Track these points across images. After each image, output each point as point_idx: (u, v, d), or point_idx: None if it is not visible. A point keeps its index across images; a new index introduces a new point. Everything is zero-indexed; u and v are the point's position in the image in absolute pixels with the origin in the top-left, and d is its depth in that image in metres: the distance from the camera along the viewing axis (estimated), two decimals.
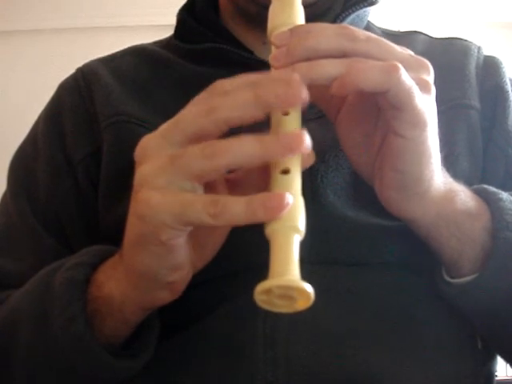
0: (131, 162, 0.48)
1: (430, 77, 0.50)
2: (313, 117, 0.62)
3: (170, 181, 0.44)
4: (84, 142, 0.68)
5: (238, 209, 0.42)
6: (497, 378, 0.68)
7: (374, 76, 0.46)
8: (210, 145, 0.44)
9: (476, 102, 0.67)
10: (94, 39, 2.46)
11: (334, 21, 0.69)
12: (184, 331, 0.59)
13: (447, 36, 0.76)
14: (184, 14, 0.74)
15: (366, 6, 0.71)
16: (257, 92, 0.44)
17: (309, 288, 0.41)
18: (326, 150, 0.62)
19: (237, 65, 0.65)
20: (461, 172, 0.63)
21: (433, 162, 0.51)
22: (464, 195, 0.55)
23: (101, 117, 0.67)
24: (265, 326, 0.57)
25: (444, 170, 0.55)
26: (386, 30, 0.77)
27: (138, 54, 0.75)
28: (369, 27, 0.75)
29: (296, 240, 0.43)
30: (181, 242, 0.47)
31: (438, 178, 0.53)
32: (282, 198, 0.42)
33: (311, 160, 0.48)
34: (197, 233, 0.49)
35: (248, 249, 0.57)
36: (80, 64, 0.75)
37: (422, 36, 0.75)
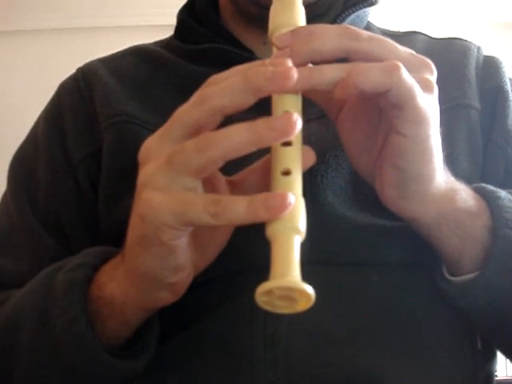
0: (131, 162, 0.48)
1: (432, 76, 0.50)
2: (313, 117, 0.62)
3: (170, 180, 0.45)
4: (84, 142, 0.68)
5: (239, 208, 0.42)
6: (497, 378, 0.68)
7: (374, 76, 0.46)
8: (203, 138, 0.44)
9: (476, 102, 0.67)
10: (94, 39, 2.46)
11: (333, 21, 0.69)
12: (184, 331, 0.59)
13: (447, 36, 0.76)
14: (184, 14, 0.74)
15: (366, 7, 0.71)
16: (246, 76, 0.44)
17: (309, 289, 0.41)
18: (326, 150, 0.62)
19: (237, 65, 0.65)
20: (461, 172, 0.62)
21: (434, 160, 0.51)
22: (465, 194, 0.55)
23: (101, 117, 0.68)
24: (265, 326, 0.57)
25: (445, 168, 0.55)
26: (386, 30, 0.77)
27: (138, 54, 0.75)
28: (369, 27, 0.75)
29: (297, 241, 0.43)
30: (182, 242, 0.47)
31: (440, 176, 0.53)
32: (283, 197, 0.42)
33: (312, 160, 0.48)
34: (198, 234, 0.49)
35: (248, 250, 0.57)
36: (80, 64, 0.75)
37: (422, 36, 0.75)
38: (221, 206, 0.43)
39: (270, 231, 0.43)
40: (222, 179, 0.51)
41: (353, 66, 0.46)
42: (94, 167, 0.67)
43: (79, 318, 0.53)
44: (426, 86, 0.48)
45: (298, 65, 0.47)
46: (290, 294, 0.42)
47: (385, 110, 0.49)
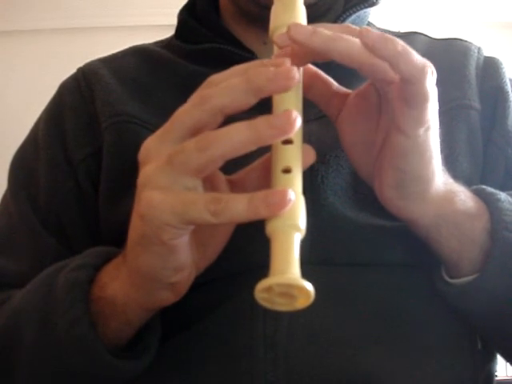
0: (132, 162, 0.48)
1: (432, 77, 0.50)
2: (313, 117, 0.62)
3: (170, 179, 0.45)
4: (85, 142, 0.68)
5: (239, 206, 0.42)
6: (497, 378, 0.68)
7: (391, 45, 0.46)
8: (203, 137, 0.44)
9: (476, 103, 0.67)
10: (94, 39, 2.46)
11: (334, 21, 0.69)
12: (185, 332, 0.59)
13: (447, 37, 0.76)
14: (185, 15, 0.74)
15: (367, 7, 0.71)
16: (248, 76, 0.44)
17: (309, 286, 0.41)
18: (327, 150, 0.62)
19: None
20: (461, 172, 0.63)
21: (433, 162, 0.51)
22: (464, 196, 0.55)
23: (101, 117, 0.68)
24: (265, 326, 0.57)
25: (444, 170, 0.55)
26: (386, 30, 0.77)
27: (138, 54, 0.75)
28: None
29: (297, 238, 0.43)
30: (183, 241, 0.47)
31: (439, 178, 0.53)
32: (284, 194, 0.42)
33: (312, 158, 0.48)
34: (199, 233, 0.49)
35: (248, 249, 0.57)
36: (80, 64, 0.75)
37: (422, 37, 0.75)
38: (221, 205, 0.43)
39: (270, 228, 0.43)
40: (222, 178, 0.51)
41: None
42: (94, 167, 0.67)
43: (81, 319, 0.53)
44: None
45: (299, 64, 0.48)
46: (289, 290, 0.42)
47: (392, 102, 0.49)
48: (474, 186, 0.59)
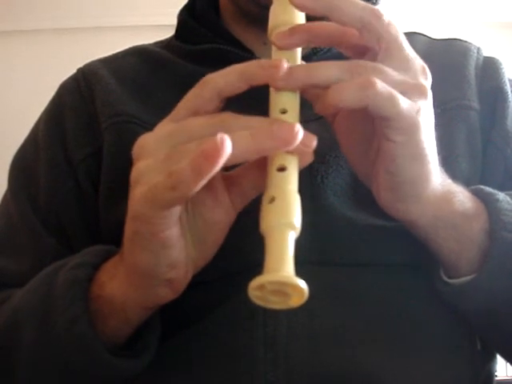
0: (132, 162, 0.48)
1: (426, 81, 0.50)
2: (312, 117, 0.62)
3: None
4: (85, 142, 0.68)
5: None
6: (497, 378, 0.68)
7: (350, 95, 0.46)
8: (204, 142, 0.44)
9: (475, 103, 0.67)
10: (94, 39, 2.46)
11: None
12: (184, 331, 0.60)
13: (447, 37, 0.76)
14: (184, 15, 0.75)
15: None
16: (243, 68, 0.46)
17: (302, 284, 0.41)
18: (326, 150, 0.62)
19: None
20: (460, 173, 0.63)
21: (428, 163, 0.51)
22: (462, 196, 0.55)
23: (101, 117, 0.68)
24: (265, 326, 0.57)
25: (442, 171, 0.55)
26: None
27: (138, 55, 0.75)
28: None
29: (291, 237, 0.43)
30: (173, 234, 0.47)
31: (436, 179, 0.53)
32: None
33: (309, 158, 0.48)
34: (195, 229, 0.49)
35: (247, 249, 0.57)
36: (81, 64, 0.75)
37: (422, 37, 0.75)
38: (173, 176, 0.43)
39: (265, 226, 0.43)
40: (217, 175, 0.51)
41: (331, 87, 0.47)
42: (94, 167, 0.67)
43: (80, 317, 0.53)
44: (418, 91, 0.48)
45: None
46: (282, 288, 0.42)
47: (374, 119, 0.49)
48: (473, 186, 0.59)
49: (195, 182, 0.42)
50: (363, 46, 0.50)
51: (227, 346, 0.58)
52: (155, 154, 0.46)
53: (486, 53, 0.73)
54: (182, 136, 0.46)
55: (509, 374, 1.94)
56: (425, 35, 0.76)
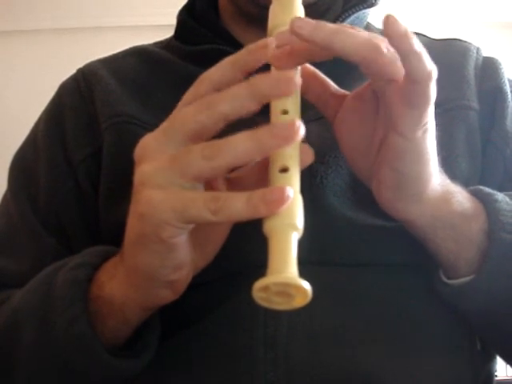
0: (132, 162, 0.48)
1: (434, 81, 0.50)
2: (313, 118, 0.62)
3: (170, 180, 0.45)
4: (84, 142, 0.68)
5: (238, 204, 0.43)
6: (497, 378, 0.68)
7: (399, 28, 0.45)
8: (208, 146, 0.44)
9: (475, 103, 0.67)
10: (94, 39, 2.46)
11: (333, 22, 0.69)
12: (184, 331, 0.60)
13: (447, 37, 0.76)
14: (184, 15, 0.75)
15: (366, 8, 0.71)
16: (251, 83, 0.45)
17: (306, 285, 0.41)
18: (326, 151, 0.62)
19: None
20: (460, 173, 0.63)
21: (430, 163, 0.51)
22: (461, 196, 0.55)
23: (101, 117, 0.68)
24: (265, 326, 0.57)
25: (442, 171, 0.55)
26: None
27: (138, 55, 0.75)
28: (368, 28, 0.75)
29: (294, 237, 0.43)
30: (182, 240, 0.47)
31: (436, 179, 0.53)
32: (282, 191, 0.42)
33: (310, 158, 0.48)
34: (197, 232, 0.49)
35: (247, 249, 0.57)
36: (80, 64, 0.75)
37: (421, 37, 0.75)
38: (220, 203, 0.43)
39: (268, 228, 0.43)
40: (220, 178, 0.51)
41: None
42: (94, 167, 0.67)
43: (80, 318, 0.53)
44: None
45: (297, 63, 0.48)
46: (286, 289, 0.42)
47: (388, 107, 0.49)
48: (472, 187, 0.59)
49: (240, 217, 0.43)
50: None
51: (227, 346, 0.58)
52: (158, 156, 0.46)
53: (485, 53, 0.73)
54: (180, 133, 0.46)
55: (509, 374, 1.94)
56: (424, 35, 0.76)
